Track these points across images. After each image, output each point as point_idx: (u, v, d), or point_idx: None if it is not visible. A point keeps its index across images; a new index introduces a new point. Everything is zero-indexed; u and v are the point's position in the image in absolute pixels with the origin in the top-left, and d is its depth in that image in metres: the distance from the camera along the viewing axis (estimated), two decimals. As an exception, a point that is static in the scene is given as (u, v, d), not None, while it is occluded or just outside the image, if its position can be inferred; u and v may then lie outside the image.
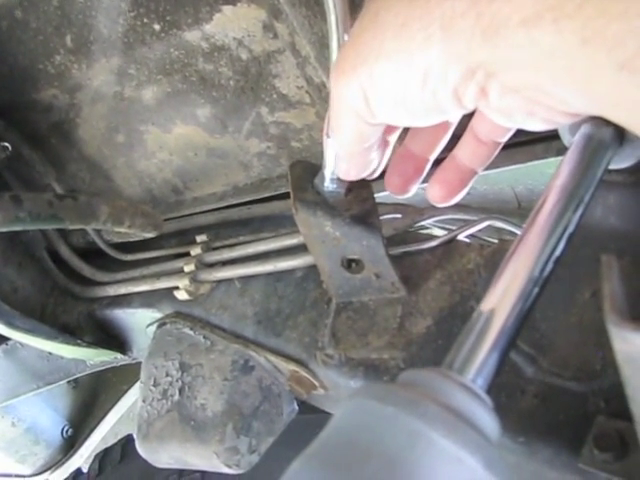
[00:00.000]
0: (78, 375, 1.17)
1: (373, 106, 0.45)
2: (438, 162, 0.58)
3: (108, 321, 1.07)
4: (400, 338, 0.70)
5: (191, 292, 0.90)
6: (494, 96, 0.39)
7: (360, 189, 0.66)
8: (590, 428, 0.51)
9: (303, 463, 0.34)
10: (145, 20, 0.77)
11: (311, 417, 0.82)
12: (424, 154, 0.58)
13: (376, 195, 0.67)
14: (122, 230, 0.84)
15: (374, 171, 0.59)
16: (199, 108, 0.86)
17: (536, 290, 0.40)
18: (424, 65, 0.39)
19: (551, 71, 0.34)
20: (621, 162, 0.48)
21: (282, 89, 0.79)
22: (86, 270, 1.08)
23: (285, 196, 0.92)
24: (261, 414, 0.78)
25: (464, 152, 0.55)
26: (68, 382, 1.51)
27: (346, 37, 0.54)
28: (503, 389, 0.58)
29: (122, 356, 1.10)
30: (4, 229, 0.71)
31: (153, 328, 0.93)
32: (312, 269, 0.81)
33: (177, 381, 0.83)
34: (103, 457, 1.52)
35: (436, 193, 0.57)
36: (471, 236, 0.76)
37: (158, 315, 0.95)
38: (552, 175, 0.44)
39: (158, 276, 0.97)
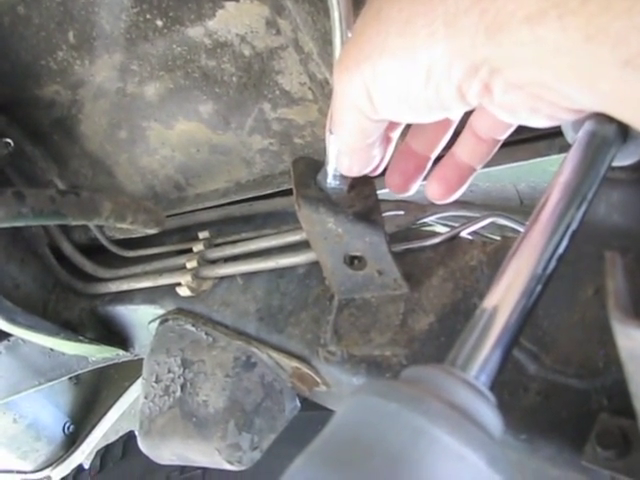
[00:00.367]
0: (80, 371, 1.17)
1: (376, 103, 0.45)
2: (437, 160, 0.58)
3: (110, 317, 1.07)
4: (403, 335, 0.69)
5: (193, 288, 0.90)
6: (498, 92, 0.39)
7: (363, 186, 0.66)
8: (593, 425, 0.50)
9: (305, 460, 0.34)
10: (148, 16, 0.77)
11: (313, 414, 0.82)
12: (425, 152, 0.58)
13: (379, 192, 0.67)
14: (124, 226, 0.84)
15: (377, 167, 0.59)
16: (201, 104, 0.86)
17: (539, 287, 0.40)
18: (427, 62, 0.39)
19: (555, 68, 0.34)
20: (624, 159, 0.48)
21: (285, 85, 0.79)
22: (88, 266, 1.09)
23: (287, 193, 0.92)
24: (263, 411, 0.78)
25: (463, 149, 0.55)
26: (70, 378, 1.51)
27: (349, 33, 0.54)
28: (506, 386, 0.58)
29: (124, 352, 1.10)
30: (6, 225, 0.71)
31: (155, 324, 0.93)
32: (314, 266, 0.81)
33: (179, 377, 0.83)
34: (105, 454, 1.52)
35: (435, 190, 0.57)
36: (474, 233, 0.76)
37: (160, 311, 0.95)
38: (555, 172, 0.44)
39: (160, 272, 0.97)
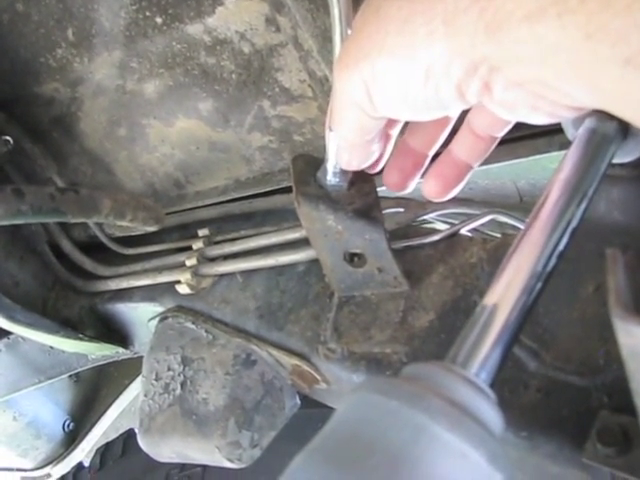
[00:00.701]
0: (80, 369, 1.17)
1: (375, 100, 0.45)
2: (434, 157, 0.58)
3: (110, 315, 1.07)
4: (403, 332, 0.69)
5: (193, 286, 0.90)
6: (498, 91, 0.39)
7: (363, 183, 0.66)
8: (593, 423, 0.50)
9: (306, 458, 0.34)
10: (147, 13, 0.77)
11: (313, 411, 0.82)
12: (423, 149, 0.58)
13: (378, 189, 0.67)
14: (124, 224, 0.84)
15: (376, 164, 0.59)
16: (201, 102, 0.86)
17: (539, 285, 0.40)
18: (427, 61, 0.39)
19: (555, 66, 0.34)
20: (625, 156, 0.48)
21: (284, 83, 0.79)
22: (88, 264, 1.08)
23: (287, 190, 0.91)
24: (263, 408, 0.78)
25: (460, 147, 0.55)
26: (69, 376, 1.51)
27: (349, 31, 0.53)
28: (506, 383, 0.58)
29: (124, 350, 1.10)
30: (6, 222, 0.71)
31: (155, 322, 0.93)
32: (314, 263, 0.81)
33: (179, 375, 0.83)
34: (104, 451, 1.52)
35: (432, 188, 0.57)
36: (474, 230, 0.76)
37: (160, 309, 0.95)
38: (555, 169, 0.44)
39: (160, 270, 0.97)
